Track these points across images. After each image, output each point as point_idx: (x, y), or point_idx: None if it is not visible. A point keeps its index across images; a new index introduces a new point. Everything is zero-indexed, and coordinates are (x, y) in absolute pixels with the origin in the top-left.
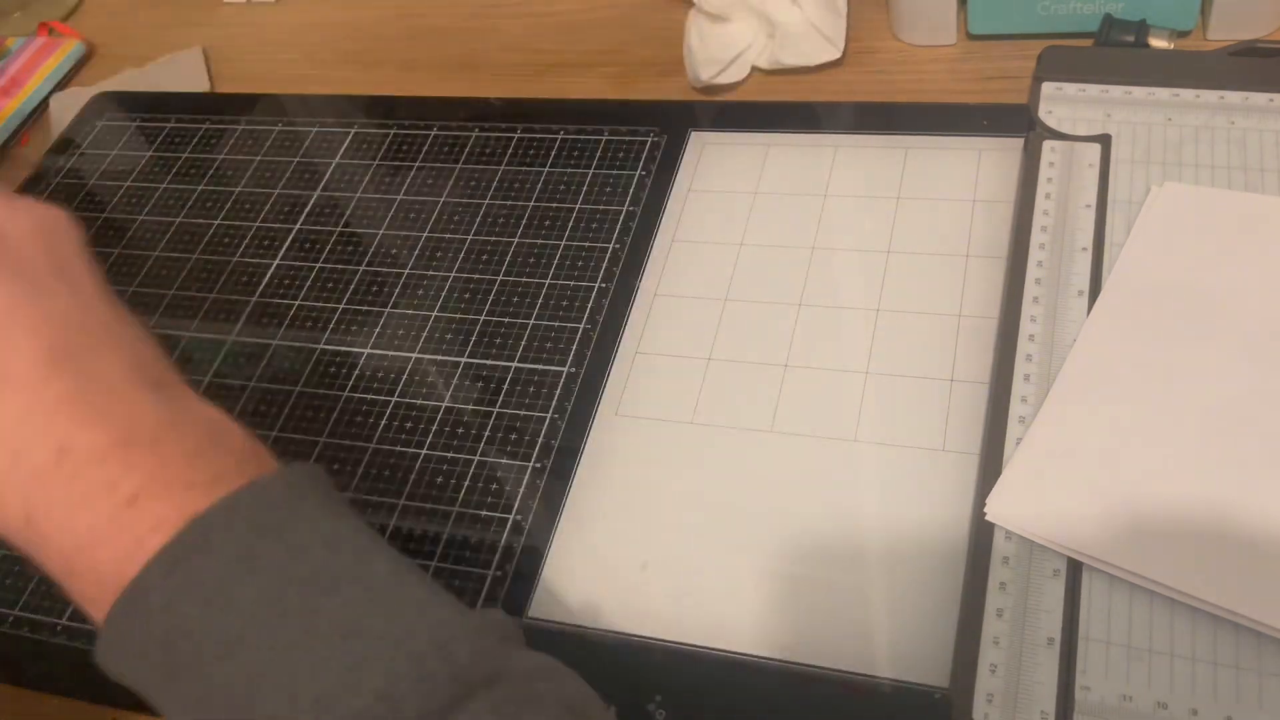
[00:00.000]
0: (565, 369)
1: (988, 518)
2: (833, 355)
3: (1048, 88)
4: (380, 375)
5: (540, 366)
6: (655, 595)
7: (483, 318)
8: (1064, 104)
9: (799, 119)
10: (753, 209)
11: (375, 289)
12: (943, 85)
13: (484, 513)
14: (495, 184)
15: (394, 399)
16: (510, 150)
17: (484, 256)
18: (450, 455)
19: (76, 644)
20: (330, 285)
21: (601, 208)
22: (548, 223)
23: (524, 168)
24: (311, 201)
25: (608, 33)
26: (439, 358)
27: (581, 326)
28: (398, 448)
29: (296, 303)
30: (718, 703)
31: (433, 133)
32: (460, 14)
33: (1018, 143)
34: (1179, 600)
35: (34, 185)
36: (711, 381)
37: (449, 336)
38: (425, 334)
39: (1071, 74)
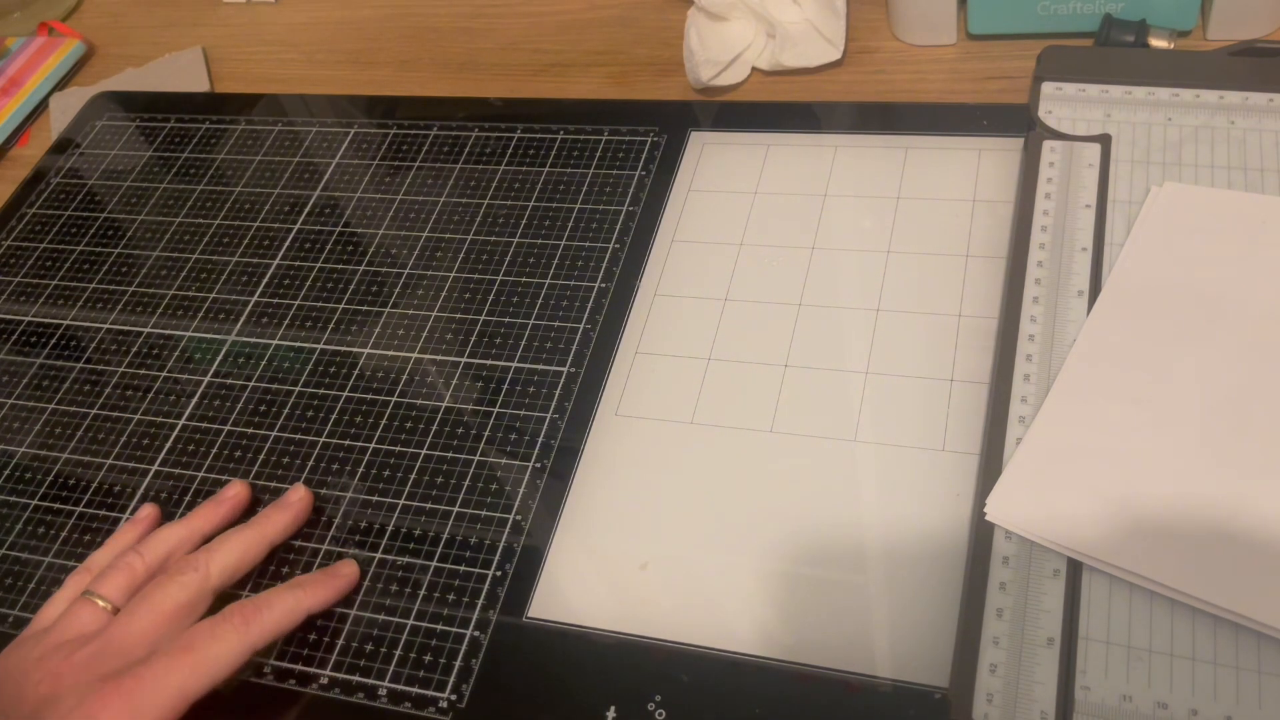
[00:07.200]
0: (565, 369)
1: (988, 518)
2: (833, 355)
3: (1048, 88)
4: (380, 375)
5: (540, 366)
6: (655, 595)
7: (483, 318)
8: (1064, 104)
9: (799, 119)
10: (753, 209)
11: (375, 289)
12: (942, 85)
13: (484, 513)
14: (495, 184)
15: (394, 399)
16: (510, 150)
17: (484, 256)
18: (450, 455)
19: None
20: (330, 285)
21: (601, 207)
22: (548, 223)
23: (524, 168)
24: (311, 201)
25: (607, 32)
26: (439, 358)
27: (581, 326)
28: (398, 448)
29: (296, 303)
30: (718, 703)
31: (432, 133)
32: (460, 14)
33: (1018, 143)
34: (1179, 600)
35: (34, 185)
36: (711, 381)
37: (449, 336)
38: (425, 334)
39: (1071, 74)
